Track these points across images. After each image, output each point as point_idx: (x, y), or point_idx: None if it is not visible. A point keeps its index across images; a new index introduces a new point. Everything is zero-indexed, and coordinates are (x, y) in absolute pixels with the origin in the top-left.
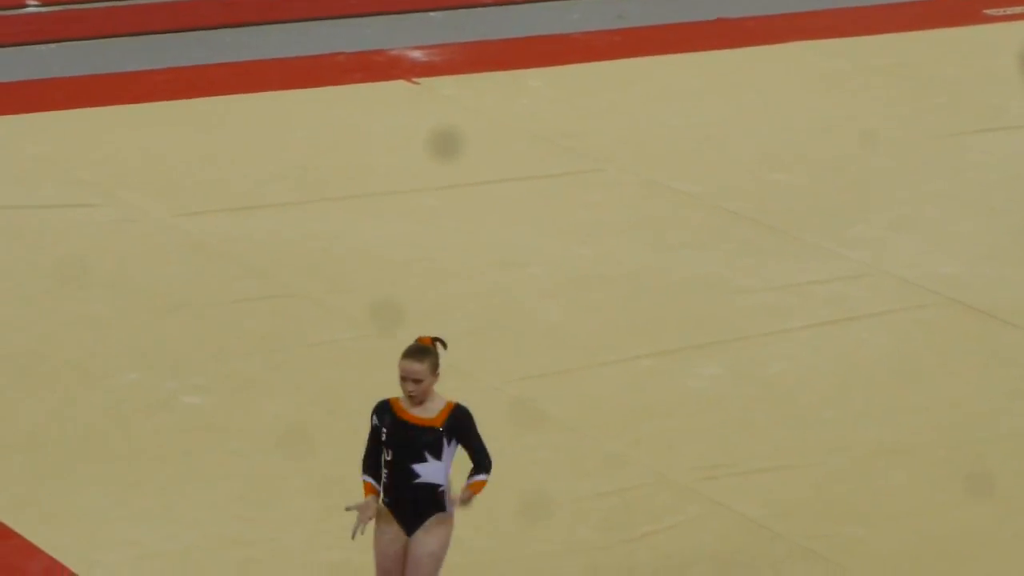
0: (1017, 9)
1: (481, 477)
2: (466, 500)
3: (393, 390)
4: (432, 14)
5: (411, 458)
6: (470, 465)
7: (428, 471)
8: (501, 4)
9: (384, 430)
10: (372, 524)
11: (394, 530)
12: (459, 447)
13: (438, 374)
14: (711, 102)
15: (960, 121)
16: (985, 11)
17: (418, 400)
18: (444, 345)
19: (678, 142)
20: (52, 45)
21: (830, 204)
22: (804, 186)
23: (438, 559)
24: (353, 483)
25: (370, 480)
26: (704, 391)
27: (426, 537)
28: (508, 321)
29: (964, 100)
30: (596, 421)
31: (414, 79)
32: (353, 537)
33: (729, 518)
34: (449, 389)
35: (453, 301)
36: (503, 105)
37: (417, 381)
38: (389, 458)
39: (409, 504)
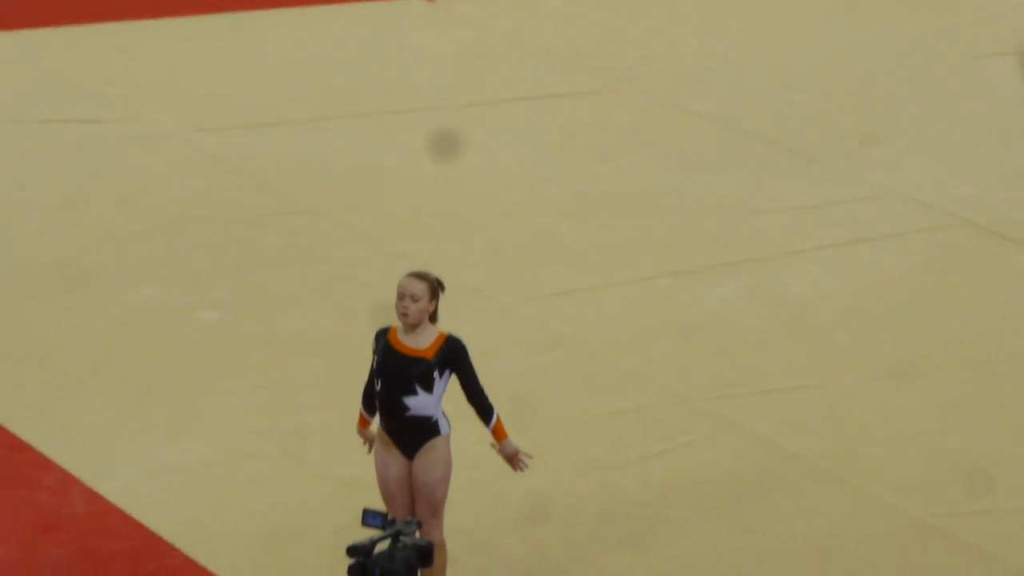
0: None
1: (495, 421)
2: (510, 454)
3: None
4: None
5: (401, 390)
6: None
7: (418, 404)
8: None
9: (376, 358)
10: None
11: (394, 454)
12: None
13: (435, 305)
14: (729, 23)
15: (980, 43)
16: None
17: (412, 322)
18: (443, 287)
19: (696, 63)
20: None
21: (847, 126)
22: (821, 108)
23: (445, 483)
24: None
25: (364, 412)
26: (719, 311)
27: (427, 464)
28: (523, 240)
29: (985, 22)
30: (611, 340)
31: None
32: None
33: (743, 437)
34: (464, 308)
35: (468, 219)
36: (520, 24)
37: (414, 299)
38: (379, 389)
39: (403, 433)
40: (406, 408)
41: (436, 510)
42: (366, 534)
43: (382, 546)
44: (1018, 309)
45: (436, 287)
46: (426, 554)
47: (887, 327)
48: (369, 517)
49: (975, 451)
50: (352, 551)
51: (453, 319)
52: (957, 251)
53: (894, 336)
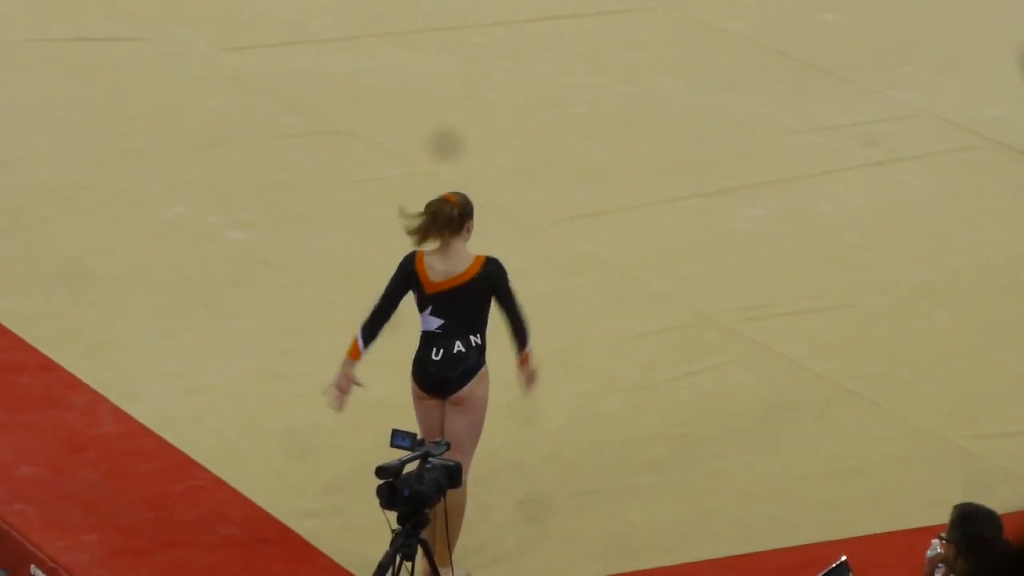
0: None
1: (526, 350)
2: (530, 379)
3: None
4: None
5: (446, 323)
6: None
7: (459, 333)
8: None
9: (398, 286)
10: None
11: (431, 401)
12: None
13: (470, 229)
14: None
15: None
16: None
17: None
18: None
19: None
20: None
21: (878, 45)
22: (852, 27)
23: (478, 425)
24: (397, 318)
25: (359, 339)
26: (749, 232)
27: (462, 407)
28: (552, 160)
29: None
30: (639, 261)
31: None
32: (340, 409)
33: (772, 359)
34: (491, 228)
35: (497, 139)
36: None
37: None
38: (424, 327)
39: (443, 368)
40: (448, 341)
41: (465, 457)
42: (395, 455)
43: (411, 467)
44: None
45: (469, 207)
46: (455, 475)
47: (917, 248)
48: (398, 438)
49: (1005, 373)
50: (381, 472)
51: (482, 240)
52: (987, 172)
53: (924, 257)
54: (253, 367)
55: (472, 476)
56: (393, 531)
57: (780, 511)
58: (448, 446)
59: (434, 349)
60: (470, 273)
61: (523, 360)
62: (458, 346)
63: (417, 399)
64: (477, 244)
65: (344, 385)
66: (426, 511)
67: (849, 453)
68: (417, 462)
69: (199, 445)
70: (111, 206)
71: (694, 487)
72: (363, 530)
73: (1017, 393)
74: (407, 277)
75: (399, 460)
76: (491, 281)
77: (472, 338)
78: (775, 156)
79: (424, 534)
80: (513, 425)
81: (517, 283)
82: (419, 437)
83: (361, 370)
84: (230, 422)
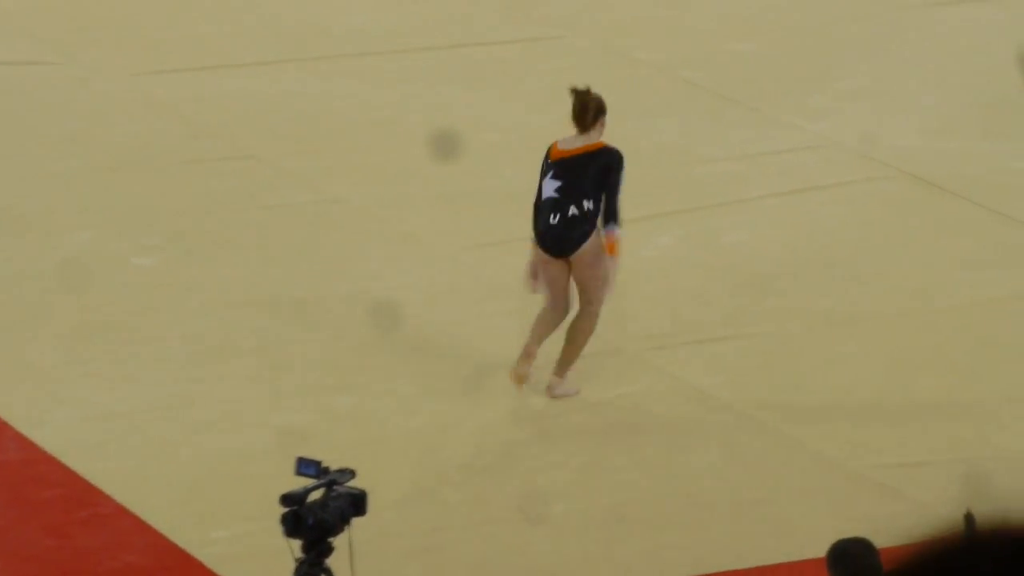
0: None
1: (615, 231)
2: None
3: (348, 252)
4: None
5: (563, 186)
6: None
7: (573, 198)
8: None
9: (541, 171)
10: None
11: (557, 263)
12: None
13: (603, 124)
14: None
15: None
16: None
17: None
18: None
19: (639, 10)
20: None
21: (790, 74)
22: (764, 55)
23: (601, 274)
24: (304, 347)
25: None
26: (658, 260)
27: (584, 262)
28: (467, 187)
29: None
30: None
31: None
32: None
33: (679, 387)
34: (404, 254)
35: (412, 165)
36: None
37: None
38: (544, 194)
39: (561, 230)
40: (560, 206)
41: (597, 299)
42: (301, 483)
43: (316, 495)
44: (957, 260)
45: (603, 106)
46: (359, 503)
47: (826, 277)
48: (303, 466)
49: (912, 402)
50: (285, 500)
51: (392, 266)
52: (897, 202)
53: (832, 286)
54: (159, 394)
55: (378, 505)
56: (297, 560)
57: (687, 540)
58: (354, 474)
59: (552, 215)
60: (591, 149)
61: (608, 243)
62: (572, 210)
63: (544, 264)
64: (388, 269)
65: (533, 270)
66: (330, 540)
67: (755, 482)
68: (322, 490)
69: (103, 472)
70: (20, 232)
71: (601, 516)
72: (267, 558)
73: (924, 422)
74: (544, 160)
75: (304, 488)
76: (606, 159)
77: (585, 203)
78: (687, 184)
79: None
80: (421, 452)
81: (428, 310)
82: (323, 465)
83: (270, 399)
84: (135, 449)
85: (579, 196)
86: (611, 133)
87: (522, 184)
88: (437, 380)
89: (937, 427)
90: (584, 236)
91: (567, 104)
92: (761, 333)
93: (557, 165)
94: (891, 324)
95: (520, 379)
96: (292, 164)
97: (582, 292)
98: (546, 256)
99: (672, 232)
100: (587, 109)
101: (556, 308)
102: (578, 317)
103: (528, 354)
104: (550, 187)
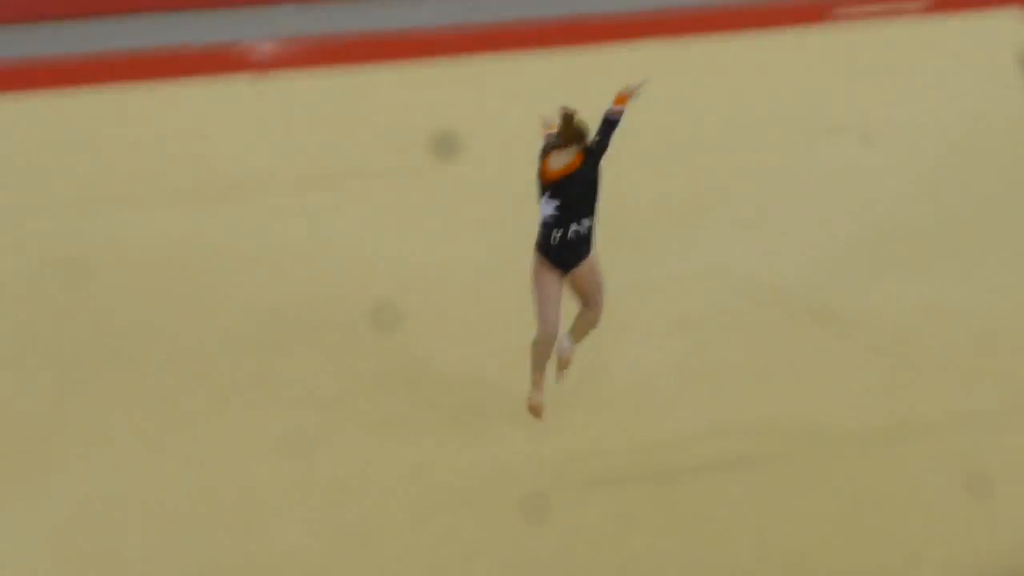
0: (868, 8)
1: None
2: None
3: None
4: (283, 7)
5: (563, 208)
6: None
7: (577, 217)
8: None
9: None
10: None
11: (557, 274)
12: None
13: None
14: (571, 93)
15: (812, 120)
16: (837, 11)
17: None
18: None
19: (533, 139)
20: None
21: (677, 202)
22: (652, 184)
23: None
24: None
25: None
26: (547, 392)
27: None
28: (344, 320)
29: (816, 100)
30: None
31: (262, 73)
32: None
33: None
34: (263, 396)
35: (298, 301)
36: (354, 101)
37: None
38: (543, 213)
39: (568, 250)
40: (570, 227)
41: (598, 301)
42: None
43: None
44: (839, 391)
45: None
46: None
47: (707, 406)
48: None
49: (795, 546)
50: None
51: (260, 404)
52: (777, 334)
53: (718, 418)
54: None
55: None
56: None
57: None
58: None
59: (553, 233)
60: (577, 164)
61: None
62: (573, 228)
63: (544, 271)
64: (252, 408)
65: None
66: None
67: None
68: None
69: None
70: None
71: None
72: None
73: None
74: (537, 178)
75: None
76: (591, 173)
77: (585, 221)
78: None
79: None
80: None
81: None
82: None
83: None
84: None
85: (577, 216)
86: (503, 264)
87: (421, 312)
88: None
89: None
90: (585, 253)
91: (459, 234)
92: (651, 475)
93: (551, 187)
94: (787, 456)
95: (537, 410)
96: (178, 291)
97: (583, 297)
98: (547, 265)
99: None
100: (575, 128)
101: (546, 326)
102: (583, 313)
103: (537, 383)
104: (548, 206)
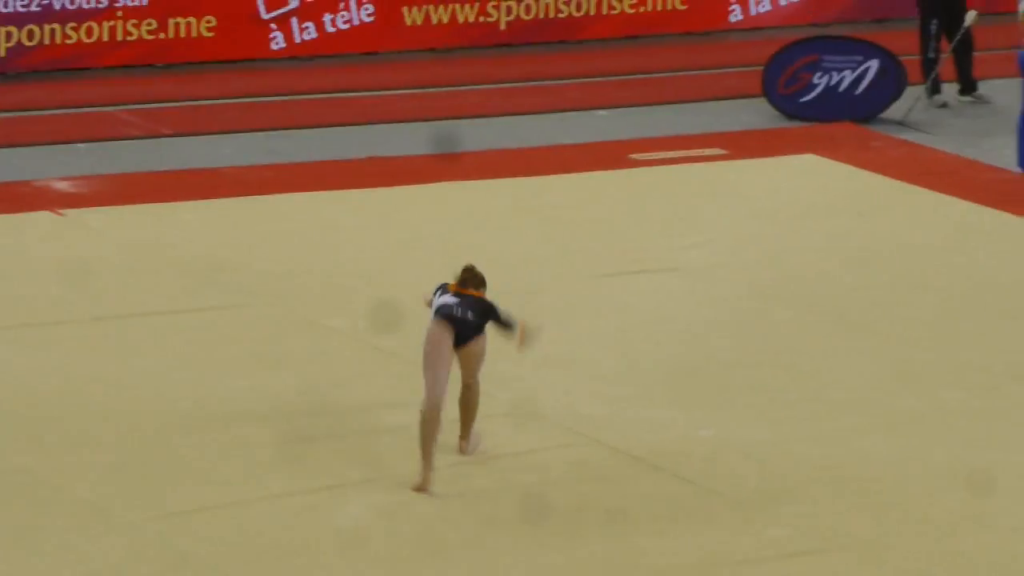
0: (659, 155)
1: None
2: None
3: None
4: (79, 145)
5: (462, 304)
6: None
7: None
8: (152, 137)
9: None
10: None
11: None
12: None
13: (483, 292)
14: (363, 238)
15: (604, 262)
16: (631, 156)
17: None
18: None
19: (329, 277)
20: None
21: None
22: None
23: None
24: None
25: None
26: (352, 529)
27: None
28: (152, 456)
29: (611, 242)
30: (241, 559)
31: (60, 210)
32: None
33: None
34: (89, 526)
35: (92, 435)
36: (153, 237)
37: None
38: (443, 301)
39: (467, 325)
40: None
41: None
42: None
43: None
44: (644, 527)
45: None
46: None
47: (509, 544)
48: None
49: None
50: None
51: (77, 537)
52: (585, 470)
53: (514, 553)
54: None
55: None
56: None
57: None
58: None
59: (455, 308)
60: (479, 295)
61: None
62: (469, 315)
63: (438, 340)
64: (74, 543)
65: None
66: None
67: None
68: None
69: None
70: None
71: None
72: None
73: None
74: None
75: None
76: (488, 305)
77: (477, 318)
78: (377, 451)
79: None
80: None
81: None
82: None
83: None
84: None
85: (472, 315)
86: (308, 403)
87: (211, 452)
88: None
89: None
90: (479, 332)
91: (258, 374)
92: None
93: (453, 294)
94: None
95: (423, 487)
96: None
97: (469, 372)
98: (444, 334)
99: (364, 500)
100: (474, 279)
101: (433, 393)
102: (467, 389)
103: (427, 465)
104: (450, 299)
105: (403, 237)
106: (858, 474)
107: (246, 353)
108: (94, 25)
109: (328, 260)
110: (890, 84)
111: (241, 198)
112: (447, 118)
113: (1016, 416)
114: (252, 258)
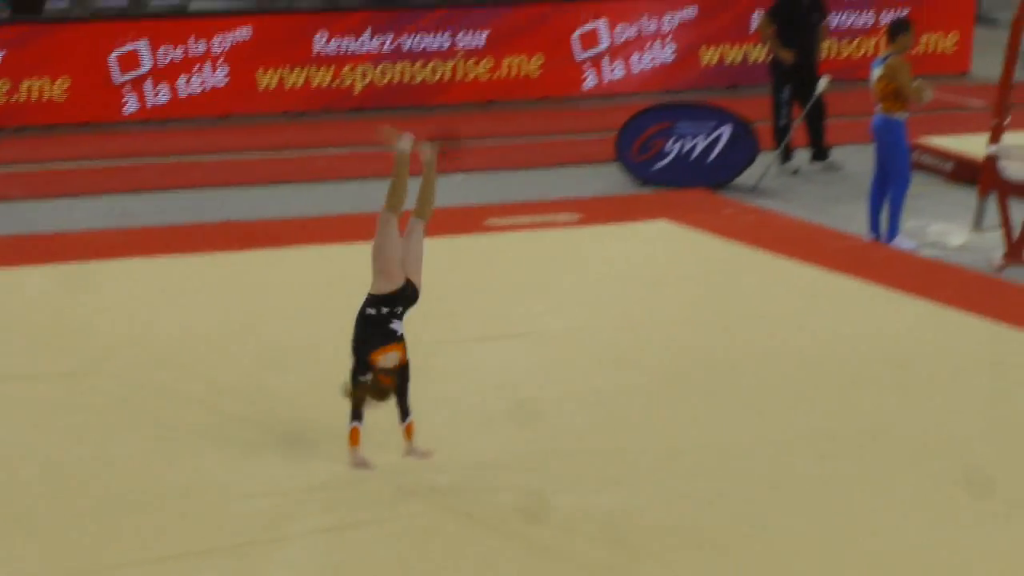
0: (514, 220)
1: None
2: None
3: None
4: None
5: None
6: None
7: None
8: (2, 200)
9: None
10: None
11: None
12: None
13: None
14: (216, 302)
15: (461, 328)
16: (486, 221)
17: None
18: None
19: (179, 342)
20: None
21: (332, 410)
22: (307, 391)
23: None
24: None
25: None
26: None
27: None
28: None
29: (465, 307)
30: None
31: None
32: None
33: None
34: None
35: None
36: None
37: None
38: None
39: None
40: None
41: None
42: None
43: None
44: None
45: None
46: None
47: None
48: None
49: None
50: None
51: None
52: (436, 539)
53: None
54: None
55: None
56: None
57: None
58: None
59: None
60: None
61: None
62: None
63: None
64: None
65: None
66: None
67: None
68: None
69: None
70: None
71: None
72: None
73: None
74: None
75: None
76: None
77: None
78: (227, 520)
79: None
80: None
81: None
82: None
83: None
84: None
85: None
86: (156, 469)
87: (57, 519)
88: None
89: None
90: None
91: (106, 440)
92: None
93: None
94: None
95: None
96: None
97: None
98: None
99: (215, 570)
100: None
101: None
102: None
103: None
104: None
105: (256, 301)
106: (713, 538)
107: (92, 420)
108: None
109: (179, 325)
110: (742, 151)
111: (91, 262)
112: (301, 181)
113: (866, 480)
114: (101, 322)
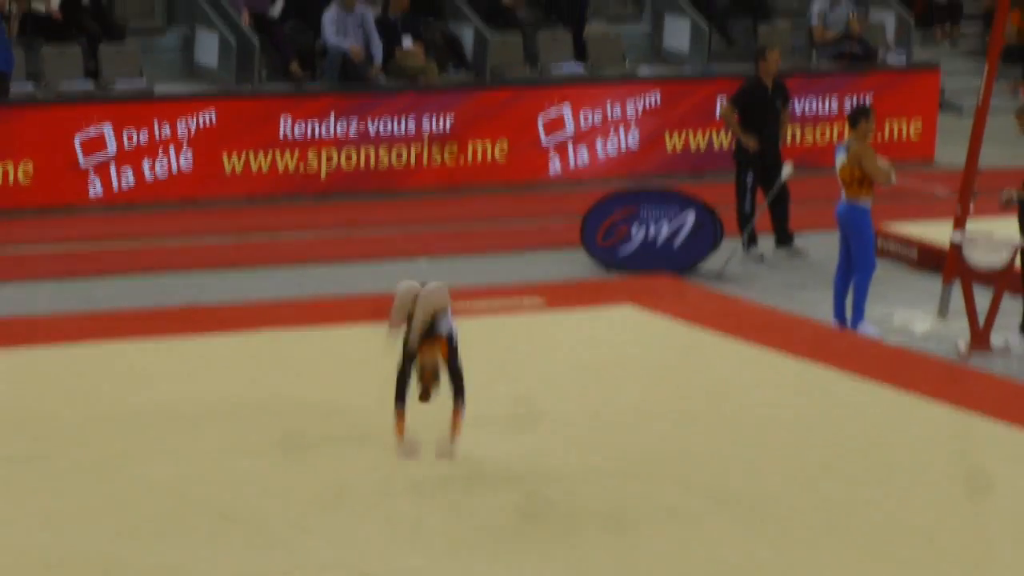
0: (478, 304)
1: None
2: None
3: None
4: None
5: None
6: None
7: None
8: None
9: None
10: None
11: None
12: None
13: None
14: (182, 386)
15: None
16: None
17: None
18: None
19: (145, 427)
20: None
21: (298, 494)
22: (266, 473)
23: None
24: None
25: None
26: None
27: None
28: None
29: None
30: None
31: None
32: None
33: None
34: None
35: None
36: None
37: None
38: None
39: None
40: None
41: None
42: None
43: None
44: None
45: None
46: None
47: None
48: None
49: None
50: None
51: None
52: None
53: None
54: None
55: None
56: None
57: None
58: None
59: None
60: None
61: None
62: None
63: None
64: None
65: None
66: None
67: None
68: None
69: None
70: None
71: None
72: None
73: None
74: None
75: None
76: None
77: None
78: None
79: None
80: None
81: None
82: None
83: None
84: None
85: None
86: (116, 554)
87: None
88: None
89: None
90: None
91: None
92: None
93: None
94: None
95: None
96: None
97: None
98: None
99: None
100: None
101: None
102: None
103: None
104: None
105: (223, 387)
106: None
107: (56, 507)
108: None
109: (144, 408)
110: (707, 236)
111: (54, 346)
112: (267, 265)
113: (827, 569)
114: (63, 407)
